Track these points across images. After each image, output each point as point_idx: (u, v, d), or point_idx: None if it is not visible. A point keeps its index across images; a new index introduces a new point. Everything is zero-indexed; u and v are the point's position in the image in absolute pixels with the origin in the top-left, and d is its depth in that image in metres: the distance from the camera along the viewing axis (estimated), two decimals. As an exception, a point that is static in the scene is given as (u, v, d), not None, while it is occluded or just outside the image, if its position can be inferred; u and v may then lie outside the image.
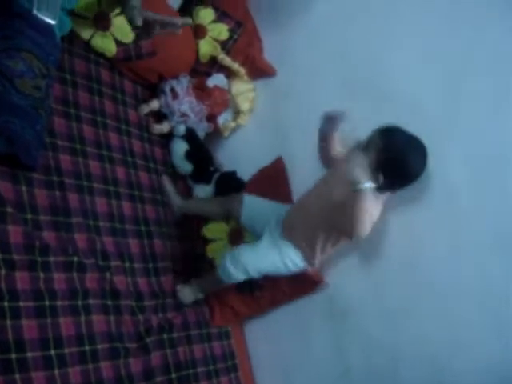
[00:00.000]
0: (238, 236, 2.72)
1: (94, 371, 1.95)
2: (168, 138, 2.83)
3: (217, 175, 2.84)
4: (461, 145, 2.32)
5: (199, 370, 2.46)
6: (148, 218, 2.52)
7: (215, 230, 2.75)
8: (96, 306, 2.07)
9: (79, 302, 2.00)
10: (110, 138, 2.47)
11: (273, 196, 2.71)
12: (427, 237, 2.36)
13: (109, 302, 2.13)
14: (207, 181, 2.84)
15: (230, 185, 2.82)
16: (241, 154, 3.01)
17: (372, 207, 2.17)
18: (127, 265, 2.32)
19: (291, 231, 2.39)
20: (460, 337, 2.25)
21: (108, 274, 2.16)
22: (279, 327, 2.80)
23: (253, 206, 2.56)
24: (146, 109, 2.72)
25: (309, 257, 2.39)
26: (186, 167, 2.81)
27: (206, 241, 2.75)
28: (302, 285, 2.63)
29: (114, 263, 2.23)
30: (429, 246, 2.35)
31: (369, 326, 2.50)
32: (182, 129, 2.77)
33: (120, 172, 2.45)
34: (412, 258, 2.39)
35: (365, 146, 2.18)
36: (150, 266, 2.44)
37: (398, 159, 2.10)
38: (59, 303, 1.92)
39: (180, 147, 2.79)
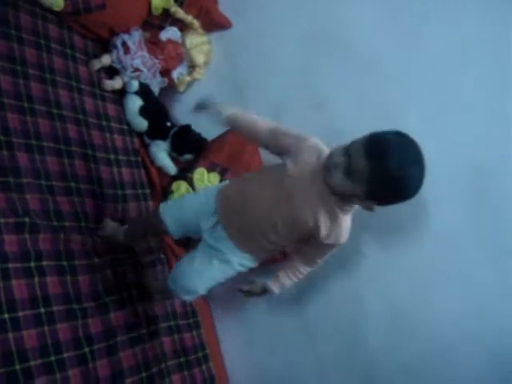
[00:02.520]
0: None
1: (50, 333, 1.92)
2: (121, 94, 2.75)
3: (173, 131, 2.79)
4: (418, 101, 2.34)
5: (169, 363, 2.46)
6: (102, 179, 2.46)
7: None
8: (50, 268, 2.02)
9: (32, 264, 1.96)
10: (59, 96, 2.38)
11: (237, 168, 2.71)
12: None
13: (64, 263, 2.09)
14: (163, 137, 2.78)
15: (186, 140, 2.78)
16: (198, 109, 2.95)
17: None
18: (83, 224, 2.28)
19: (236, 234, 1.97)
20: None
21: (62, 235, 2.11)
22: (249, 313, 2.84)
23: (176, 211, 2.11)
24: (97, 64, 2.63)
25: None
26: (140, 124, 2.74)
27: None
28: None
29: (68, 223, 2.19)
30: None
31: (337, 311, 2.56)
32: (135, 84, 2.70)
33: (71, 130, 2.38)
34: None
35: (348, 171, 1.65)
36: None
37: (392, 186, 1.64)
38: (11, 265, 1.87)
39: (134, 103, 2.71)
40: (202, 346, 2.67)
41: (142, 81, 2.73)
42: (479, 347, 2.27)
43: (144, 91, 2.73)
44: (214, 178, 2.71)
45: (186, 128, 2.77)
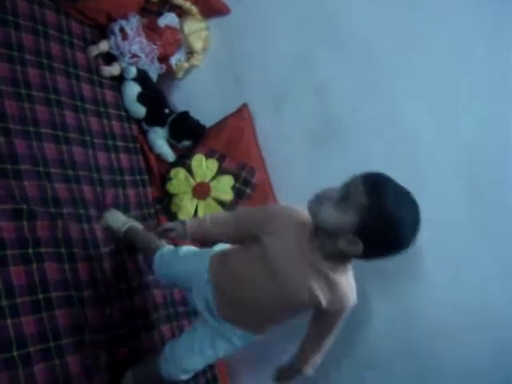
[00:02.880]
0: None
1: (48, 320, 1.92)
2: (119, 80, 2.74)
3: (171, 117, 2.78)
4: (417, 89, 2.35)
5: (161, 314, 2.49)
6: (100, 165, 2.46)
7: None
8: (48, 255, 2.02)
9: (30, 251, 1.95)
10: (57, 82, 2.36)
11: (235, 154, 2.71)
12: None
13: (62, 250, 2.09)
14: (162, 124, 2.78)
15: (185, 127, 2.77)
16: (196, 95, 2.95)
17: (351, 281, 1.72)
18: (81, 211, 2.27)
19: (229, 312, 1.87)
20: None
21: (60, 222, 2.11)
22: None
23: (166, 264, 2.11)
24: (94, 51, 2.62)
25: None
26: (138, 110, 2.74)
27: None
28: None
29: (66, 210, 2.18)
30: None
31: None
32: (133, 71, 2.68)
33: (69, 117, 2.36)
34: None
35: (342, 200, 1.54)
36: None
37: (388, 227, 1.49)
38: (9, 252, 1.87)
39: (132, 90, 2.71)
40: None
41: (140, 67, 2.72)
42: (480, 334, 2.28)
43: (142, 77, 2.72)
44: (213, 164, 2.71)
45: (185, 115, 2.77)
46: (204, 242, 2.11)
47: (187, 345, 1.95)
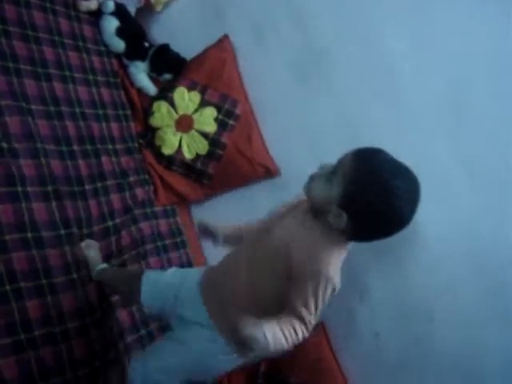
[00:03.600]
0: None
1: (39, 258, 1.97)
2: (97, 15, 2.71)
3: (151, 51, 2.77)
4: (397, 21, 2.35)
5: (147, 247, 2.53)
6: (81, 100, 2.46)
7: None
8: (35, 194, 2.05)
9: (19, 189, 1.99)
10: (34, 18, 2.35)
11: (217, 86, 2.70)
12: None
13: (49, 188, 2.12)
14: (142, 57, 2.76)
15: (165, 60, 2.76)
16: (175, 28, 2.90)
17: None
18: (64, 148, 2.29)
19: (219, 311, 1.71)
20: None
21: (44, 159, 2.13)
22: (227, 207, 2.85)
23: (155, 283, 1.91)
24: (71, -15, 2.59)
25: None
26: (118, 45, 2.71)
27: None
28: (254, 172, 2.69)
29: (48, 147, 2.20)
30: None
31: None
32: (110, 4, 2.65)
33: (48, 53, 2.36)
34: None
35: (330, 172, 1.49)
36: (89, 147, 2.42)
37: (376, 197, 1.38)
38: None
39: (110, 24, 2.68)
40: (179, 232, 2.80)
41: (118, 1, 2.69)
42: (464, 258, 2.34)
43: (120, 11, 2.69)
44: (195, 96, 2.71)
45: (165, 48, 2.75)
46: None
47: (157, 359, 1.78)
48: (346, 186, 1.41)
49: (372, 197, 1.37)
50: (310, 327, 1.54)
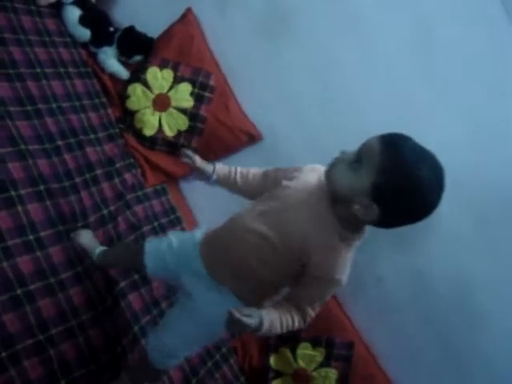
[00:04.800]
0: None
1: (43, 258, 2.00)
2: (58, 7, 2.68)
3: (117, 35, 2.76)
4: None
5: (144, 229, 2.57)
6: (56, 94, 2.46)
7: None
8: (29, 195, 2.07)
9: (13, 193, 2.00)
10: (-5, 19, 2.33)
11: (188, 61, 2.70)
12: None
13: (41, 188, 2.13)
14: (109, 43, 2.74)
15: (132, 41, 2.75)
16: (138, 9, 2.89)
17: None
18: (48, 146, 2.29)
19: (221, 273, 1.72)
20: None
21: (31, 160, 2.14)
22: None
23: (157, 253, 1.90)
24: (27, -20, 2.56)
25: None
26: (83, 33, 2.69)
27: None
28: (237, 140, 2.72)
29: (33, 147, 2.21)
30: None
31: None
32: (69, -6, 2.64)
33: (16, 52, 2.35)
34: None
35: (354, 160, 1.44)
36: (72, 140, 2.43)
37: (407, 187, 1.36)
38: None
39: (73, 14, 2.66)
40: (173, 209, 2.83)
41: (76, -11, 2.67)
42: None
43: (80, 0, 2.67)
44: (168, 74, 2.72)
45: (130, 30, 2.74)
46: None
47: (168, 328, 1.83)
48: (376, 178, 1.37)
49: (402, 188, 1.35)
50: (309, 321, 1.61)
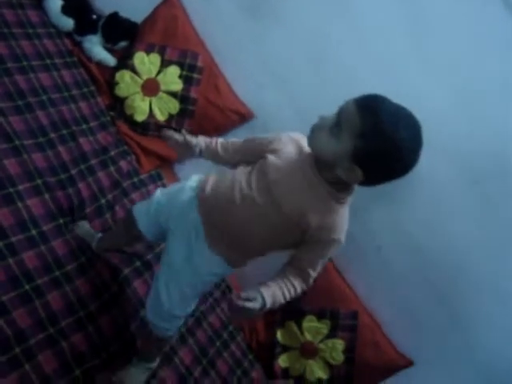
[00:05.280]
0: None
1: (47, 251, 2.01)
2: (39, -2, 2.67)
3: (101, 22, 2.73)
4: None
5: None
6: (45, 87, 2.45)
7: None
8: (27, 190, 2.07)
9: (11, 190, 2.01)
10: (-24, 15, 2.32)
11: (174, 43, 2.69)
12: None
13: (38, 182, 2.14)
14: (93, 30, 2.72)
15: (117, 28, 2.74)
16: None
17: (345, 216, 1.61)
18: (41, 139, 2.29)
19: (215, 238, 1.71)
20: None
21: (26, 156, 2.14)
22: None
23: (148, 214, 1.89)
24: (5, -28, 2.53)
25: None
26: (66, 23, 2.68)
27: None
28: (229, 119, 2.74)
29: (27, 142, 2.20)
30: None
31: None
32: (50, -16, 2.61)
33: (1, 47, 2.33)
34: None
35: (336, 125, 1.43)
36: (65, 132, 2.42)
37: (387, 149, 1.38)
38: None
39: (54, 4, 2.64)
40: None
41: (56, -22, 2.64)
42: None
43: (61, -11, 2.65)
44: (155, 58, 2.71)
45: (114, 16, 2.72)
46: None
47: (161, 290, 1.80)
48: (356, 142, 1.39)
49: (383, 150, 1.37)
50: (311, 282, 1.63)
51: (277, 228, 1.58)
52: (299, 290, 1.61)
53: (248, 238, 1.64)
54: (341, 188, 1.53)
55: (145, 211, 1.90)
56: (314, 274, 1.62)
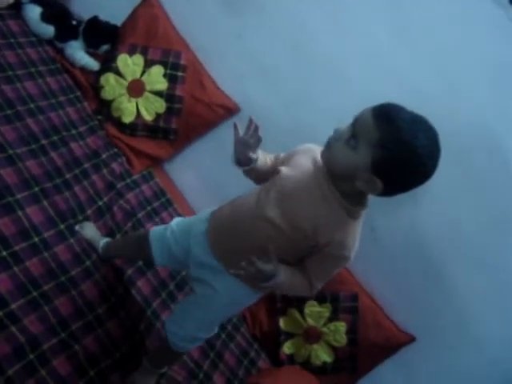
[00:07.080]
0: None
1: (51, 258, 2.01)
2: (17, 7, 2.67)
3: (81, 27, 2.74)
4: None
5: (139, 215, 2.61)
6: (32, 95, 2.45)
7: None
8: (25, 198, 2.07)
9: (10, 199, 2.01)
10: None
11: (156, 42, 2.71)
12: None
13: (35, 189, 2.14)
14: (74, 36, 2.74)
15: (98, 32, 2.75)
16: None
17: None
18: (34, 146, 2.29)
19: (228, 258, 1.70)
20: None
21: (20, 164, 2.14)
22: (199, 155, 2.94)
23: (162, 241, 1.90)
24: (-18, -16, 2.53)
25: None
26: (47, 30, 2.68)
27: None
28: (216, 114, 2.76)
29: (20, 150, 2.20)
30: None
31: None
32: (27, -7, 2.61)
33: (-16, 60, 2.34)
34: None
35: (353, 137, 1.41)
36: (55, 138, 2.42)
37: (408, 157, 1.35)
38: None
39: (33, 12, 2.65)
40: (162, 192, 2.88)
41: (32, -14, 2.64)
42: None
43: (38, -3, 2.65)
44: (138, 59, 2.73)
45: (94, 20, 2.73)
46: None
47: (188, 316, 1.84)
48: (375, 153, 1.37)
49: (403, 160, 1.35)
50: (314, 292, 1.66)
51: (288, 241, 1.57)
52: (301, 294, 1.67)
53: (260, 250, 1.56)
54: (355, 201, 1.52)
55: (160, 241, 1.90)
56: (318, 284, 1.64)
